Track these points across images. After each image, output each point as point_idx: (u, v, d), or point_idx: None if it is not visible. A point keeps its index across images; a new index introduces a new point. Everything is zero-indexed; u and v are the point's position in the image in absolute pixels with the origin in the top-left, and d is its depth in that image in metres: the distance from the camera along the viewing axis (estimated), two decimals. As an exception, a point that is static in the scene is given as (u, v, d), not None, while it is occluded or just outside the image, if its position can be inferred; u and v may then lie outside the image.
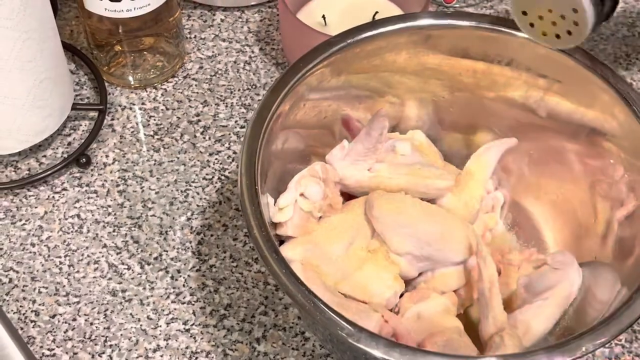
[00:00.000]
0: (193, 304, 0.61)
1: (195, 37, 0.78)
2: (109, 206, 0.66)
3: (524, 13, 0.56)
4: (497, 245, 0.61)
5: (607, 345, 0.59)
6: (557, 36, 0.56)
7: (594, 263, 0.57)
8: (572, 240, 0.60)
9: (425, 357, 0.44)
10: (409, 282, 0.57)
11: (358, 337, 0.45)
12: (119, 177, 0.67)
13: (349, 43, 0.57)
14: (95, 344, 0.58)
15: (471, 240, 0.57)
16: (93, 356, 0.58)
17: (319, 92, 0.59)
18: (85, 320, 0.60)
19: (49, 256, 0.63)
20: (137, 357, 0.58)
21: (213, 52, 0.76)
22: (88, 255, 0.63)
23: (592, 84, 0.57)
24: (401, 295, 0.56)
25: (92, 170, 0.68)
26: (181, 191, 0.67)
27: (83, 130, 0.70)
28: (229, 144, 0.70)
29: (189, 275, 0.62)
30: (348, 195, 0.59)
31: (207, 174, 0.68)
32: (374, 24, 0.59)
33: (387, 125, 0.57)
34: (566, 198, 0.61)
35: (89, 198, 0.66)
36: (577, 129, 0.59)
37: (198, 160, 0.69)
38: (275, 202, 0.55)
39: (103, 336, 0.59)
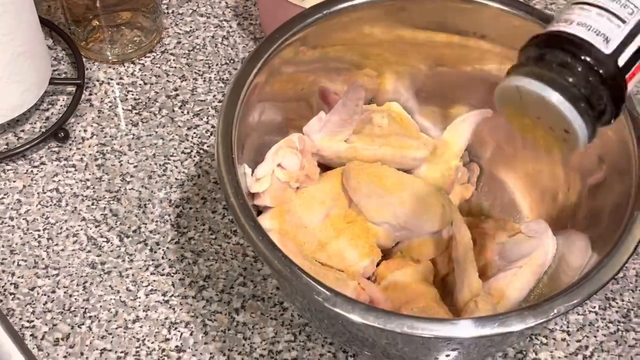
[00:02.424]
0: (172, 276, 0.61)
1: (172, 12, 0.77)
2: (88, 180, 0.66)
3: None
4: (473, 215, 0.62)
5: (580, 312, 0.60)
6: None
7: (568, 231, 0.58)
8: (546, 210, 0.61)
9: (400, 320, 0.44)
10: (385, 251, 0.58)
11: (334, 301, 0.45)
12: (97, 152, 0.67)
13: (324, 14, 0.58)
14: (75, 316, 0.59)
15: (447, 209, 0.57)
16: (72, 327, 0.58)
17: (296, 64, 0.59)
18: (65, 292, 0.60)
19: (27, 229, 0.63)
20: (116, 328, 0.58)
21: (191, 27, 0.76)
22: (67, 229, 0.63)
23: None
24: (378, 264, 0.57)
25: (70, 144, 0.68)
26: (160, 165, 0.67)
27: (61, 105, 0.70)
28: (207, 118, 0.70)
29: (168, 248, 0.62)
30: (325, 167, 0.60)
31: (185, 148, 0.68)
32: (350, -4, 0.60)
33: (363, 95, 0.58)
34: (540, 169, 0.62)
35: (67, 172, 0.66)
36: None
37: (176, 135, 0.69)
38: (252, 172, 0.56)
39: (82, 308, 0.59)
